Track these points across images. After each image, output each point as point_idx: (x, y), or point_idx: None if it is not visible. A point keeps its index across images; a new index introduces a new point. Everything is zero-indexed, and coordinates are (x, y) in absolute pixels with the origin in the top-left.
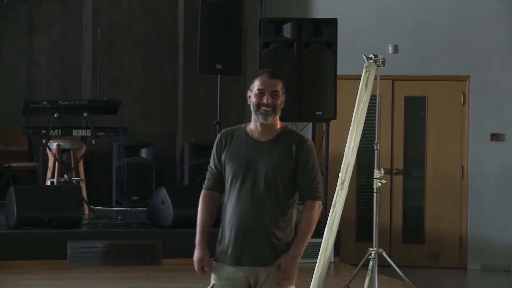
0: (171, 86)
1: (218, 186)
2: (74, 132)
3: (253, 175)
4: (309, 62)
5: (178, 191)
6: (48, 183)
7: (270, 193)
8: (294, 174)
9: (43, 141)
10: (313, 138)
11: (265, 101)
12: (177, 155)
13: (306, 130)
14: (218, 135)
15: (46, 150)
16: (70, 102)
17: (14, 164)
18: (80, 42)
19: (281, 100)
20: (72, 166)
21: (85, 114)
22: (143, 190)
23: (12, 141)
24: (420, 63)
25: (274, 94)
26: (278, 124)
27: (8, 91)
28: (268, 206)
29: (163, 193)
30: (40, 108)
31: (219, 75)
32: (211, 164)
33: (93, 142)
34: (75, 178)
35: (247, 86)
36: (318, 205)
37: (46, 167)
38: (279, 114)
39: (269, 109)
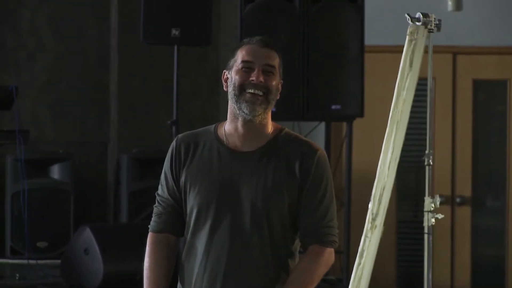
0: (99, 64)
1: (175, 225)
2: None
3: (233, 207)
4: (319, 27)
5: (111, 232)
6: None
7: (262, 235)
8: (297, 204)
9: None
10: (327, 147)
11: (254, 78)
12: (110, 175)
13: (316, 134)
14: (173, 143)
15: None
16: None
17: None
18: None
19: (277, 82)
20: None
21: None
22: (55, 232)
23: None
24: (497, 27)
25: (267, 71)
26: (270, 125)
27: None
28: (259, 255)
29: (88, 236)
30: None
31: (175, 47)
32: (162, 190)
33: None
34: None
35: (220, 64)
36: (329, 254)
37: None
38: (272, 107)
39: (260, 92)
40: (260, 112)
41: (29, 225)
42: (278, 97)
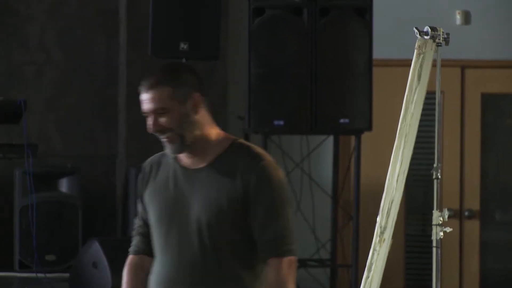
0: (108, 79)
1: (146, 246)
2: None
3: (181, 225)
4: (327, 40)
5: (120, 246)
6: None
7: (206, 250)
8: (246, 217)
9: None
10: (336, 159)
11: (148, 129)
12: (118, 188)
13: (324, 148)
14: (142, 166)
15: None
16: None
17: None
18: None
19: (175, 114)
20: None
21: None
22: (63, 245)
23: None
24: (505, 40)
25: (159, 113)
26: (220, 140)
27: None
28: (204, 271)
29: (96, 250)
30: None
31: (184, 61)
32: (137, 213)
33: None
34: None
35: (228, 78)
36: (289, 263)
37: None
38: (193, 130)
39: (163, 136)
40: (180, 148)
41: (37, 239)
42: (197, 113)
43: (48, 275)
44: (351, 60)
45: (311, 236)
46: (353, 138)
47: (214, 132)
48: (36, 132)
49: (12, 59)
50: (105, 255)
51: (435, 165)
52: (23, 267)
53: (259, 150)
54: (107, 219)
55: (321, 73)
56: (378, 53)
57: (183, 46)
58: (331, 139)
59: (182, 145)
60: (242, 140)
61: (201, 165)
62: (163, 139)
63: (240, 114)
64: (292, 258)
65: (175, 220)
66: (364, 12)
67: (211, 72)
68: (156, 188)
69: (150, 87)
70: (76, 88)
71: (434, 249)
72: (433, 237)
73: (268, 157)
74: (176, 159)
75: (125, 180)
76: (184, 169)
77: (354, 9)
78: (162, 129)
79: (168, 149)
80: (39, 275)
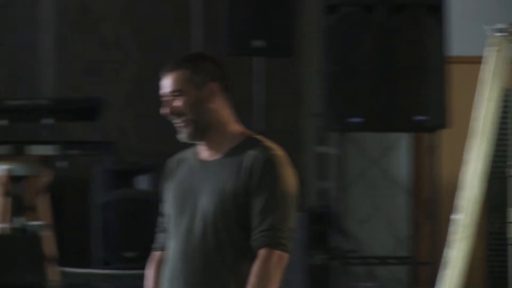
0: None
1: (166, 242)
2: (31, 149)
3: (190, 216)
4: (400, 38)
5: None
6: None
7: (207, 240)
8: (247, 208)
9: None
10: (413, 157)
11: (164, 113)
12: None
13: (403, 144)
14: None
15: None
16: (23, 102)
17: None
18: (34, 9)
19: (188, 98)
20: (29, 203)
21: (47, 121)
22: (142, 242)
23: None
24: None
25: (174, 96)
26: (235, 133)
27: None
28: (204, 261)
29: None
30: None
31: (259, 58)
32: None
33: (62, 166)
34: (33, 222)
35: (303, 75)
36: (278, 257)
37: None
38: (208, 117)
39: (177, 120)
40: (194, 134)
41: (116, 235)
42: (212, 102)
43: (128, 271)
44: (426, 57)
45: (390, 234)
46: (430, 136)
47: (232, 126)
48: (114, 129)
49: (90, 57)
50: None
51: (510, 162)
52: (103, 263)
53: (272, 144)
54: None
55: (395, 71)
56: (451, 50)
57: (259, 43)
58: (407, 136)
59: (196, 130)
60: (258, 136)
61: (216, 157)
62: (177, 124)
63: (315, 111)
64: (284, 254)
65: (185, 211)
66: (438, 9)
67: (285, 68)
68: (174, 183)
69: (170, 70)
70: (153, 85)
71: (510, 247)
72: (510, 235)
73: (279, 151)
74: (195, 154)
75: None
76: (201, 161)
77: (427, 6)
78: (176, 112)
79: (182, 135)
80: (119, 271)
